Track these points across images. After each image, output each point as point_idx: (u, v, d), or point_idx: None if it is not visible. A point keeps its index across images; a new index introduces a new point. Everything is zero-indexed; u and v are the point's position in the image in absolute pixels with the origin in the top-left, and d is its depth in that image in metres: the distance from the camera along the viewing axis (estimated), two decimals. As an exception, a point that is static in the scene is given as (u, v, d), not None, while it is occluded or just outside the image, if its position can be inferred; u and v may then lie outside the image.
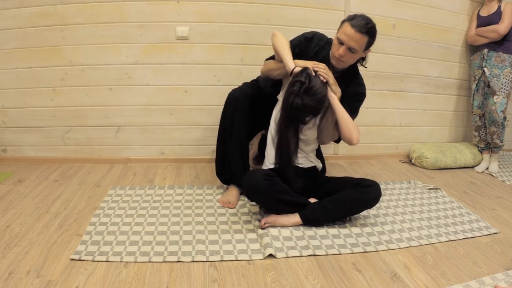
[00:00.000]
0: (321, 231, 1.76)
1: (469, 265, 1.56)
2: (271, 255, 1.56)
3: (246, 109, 1.93)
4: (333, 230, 1.78)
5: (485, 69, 2.67)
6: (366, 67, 1.94)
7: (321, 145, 2.12)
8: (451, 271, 1.51)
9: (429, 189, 2.37)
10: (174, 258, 1.51)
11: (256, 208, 1.96)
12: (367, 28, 1.69)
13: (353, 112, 1.90)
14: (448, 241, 1.75)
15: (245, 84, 2.08)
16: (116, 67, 2.47)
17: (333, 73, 1.79)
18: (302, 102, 1.63)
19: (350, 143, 1.79)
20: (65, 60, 2.43)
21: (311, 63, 1.72)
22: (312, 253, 1.58)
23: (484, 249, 1.69)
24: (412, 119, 2.96)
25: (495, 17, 2.58)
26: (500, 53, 2.61)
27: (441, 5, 2.75)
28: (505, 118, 2.69)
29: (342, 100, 1.83)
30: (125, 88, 2.52)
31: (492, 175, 2.72)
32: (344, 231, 1.78)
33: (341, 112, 1.75)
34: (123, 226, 1.75)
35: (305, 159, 1.90)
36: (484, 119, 2.79)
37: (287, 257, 1.56)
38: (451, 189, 2.42)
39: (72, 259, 1.47)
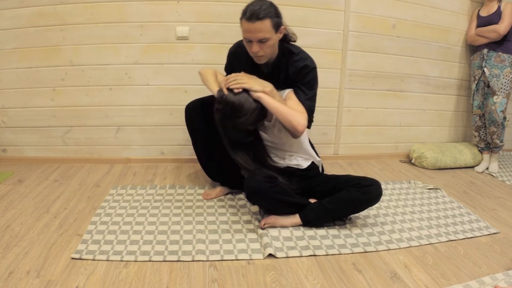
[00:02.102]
0: (321, 231, 1.76)
1: (469, 265, 1.56)
2: (271, 255, 1.56)
3: (201, 115, 1.91)
4: (333, 230, 1.78)
5: (485, 69, 2.67)
6: (296, 40, 1.86)
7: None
8: (451, 271, 1.51)
9: (429, 189, 2.37)
10: (174, 257, 1.51)
11: (256, 208, 1.96)
12: (263, 13, 1.58)
13: (308, 88, 1.80)
14: (448, 241, 1.75)
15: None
16: (116, 67, 2.47)
17: (267, 66, 1.78)
18: (231, 124, 1.63)
19: (295, 131, 1.65)
20: (65, 60, 2.43)
21: (223, 81, 1.66)
22: (312, 253, 1.58)
23: (484, 249, 1.69)
24: (412, 119, 2.96)
25: (495, 17, 2.58)
26: (500, 53, 2.61)
27: (441, 5, 2.75)
28: (505, 118, 2.69)
29: (292, 85, 1.80)
30: (125, 88, 2.52)
31: (492, 175, 2.72)
32: (344, 231, 1.78)
33: (273, 106, 1.62)
34: (124, 225, 1.75)
35: (301, 159, 1.89)
36: (484, 119, 2.79)
37: (287, 257, 1.56)
38: (451, 189, 2.42)
39: (73, 258, 1.47)
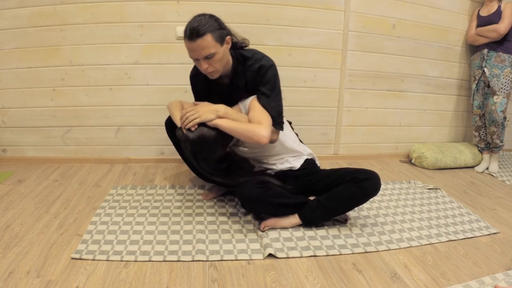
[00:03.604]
0: (322, 231, 1.76)
1: (469, 265, 1.56)
2: (271, 255, 1.56)
3: (174, 126, 1.88)
4: (333, 231, 1.78)
5: (485, 69, 2.67)
6: (248, 45, 1.80)
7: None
8: (451, 271, 1.51)
9: (429, 189, 2.37)
10: (174, 258, 1.51)
11: (256, 208, 1.96)
12: (202, 29, 1.55)
13: (270, 89, 1.72)
14: (448, 241, 1.75)
15: None
16: (116, 67, 2.47)
17: (227, 78, 1.77)
18: (201, 158, 1.63)
19: (260, 143, 1.62)
20: (65, 60, 2.43)
21: (181, 117, 1.64)
22: (312, 253, 1.58)
23: (484, 249, 1.69)
24: (412, 119, 2.96)
25: (495, 17, 2.58)
26: (500, 53, 2.61)
27: (441, 5, 2.75)
28: (505, 118, 2.69)
29: (254, 90, 1.75)
30: (125, 88, 2.52)
31: (492, 175, 2.72)
32: (344, 231, 1.78)
33: (230, 129, 1.60)
34: (124, 225, 1.75)
35: (292, 159, 1.87)
36: (484, 119, 2.79)
37: (287, 257, 1.56)
38: (451, 189, 2.42)
39: (73, 258, 1.47)
